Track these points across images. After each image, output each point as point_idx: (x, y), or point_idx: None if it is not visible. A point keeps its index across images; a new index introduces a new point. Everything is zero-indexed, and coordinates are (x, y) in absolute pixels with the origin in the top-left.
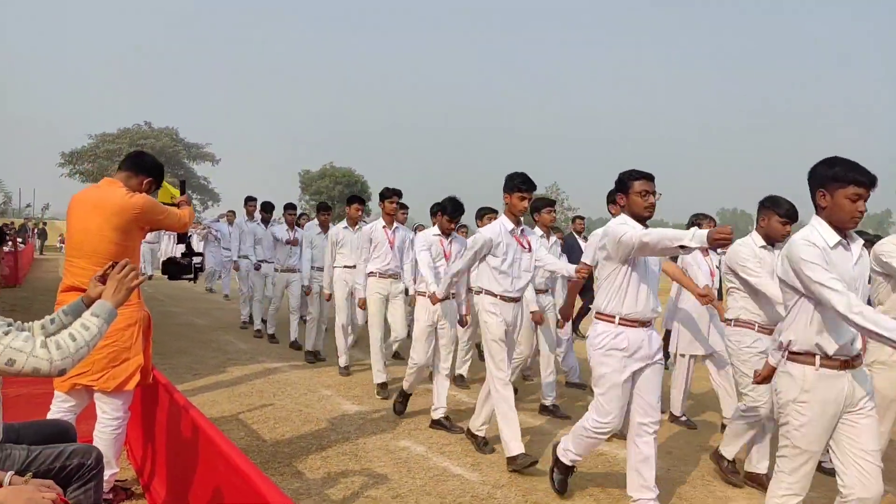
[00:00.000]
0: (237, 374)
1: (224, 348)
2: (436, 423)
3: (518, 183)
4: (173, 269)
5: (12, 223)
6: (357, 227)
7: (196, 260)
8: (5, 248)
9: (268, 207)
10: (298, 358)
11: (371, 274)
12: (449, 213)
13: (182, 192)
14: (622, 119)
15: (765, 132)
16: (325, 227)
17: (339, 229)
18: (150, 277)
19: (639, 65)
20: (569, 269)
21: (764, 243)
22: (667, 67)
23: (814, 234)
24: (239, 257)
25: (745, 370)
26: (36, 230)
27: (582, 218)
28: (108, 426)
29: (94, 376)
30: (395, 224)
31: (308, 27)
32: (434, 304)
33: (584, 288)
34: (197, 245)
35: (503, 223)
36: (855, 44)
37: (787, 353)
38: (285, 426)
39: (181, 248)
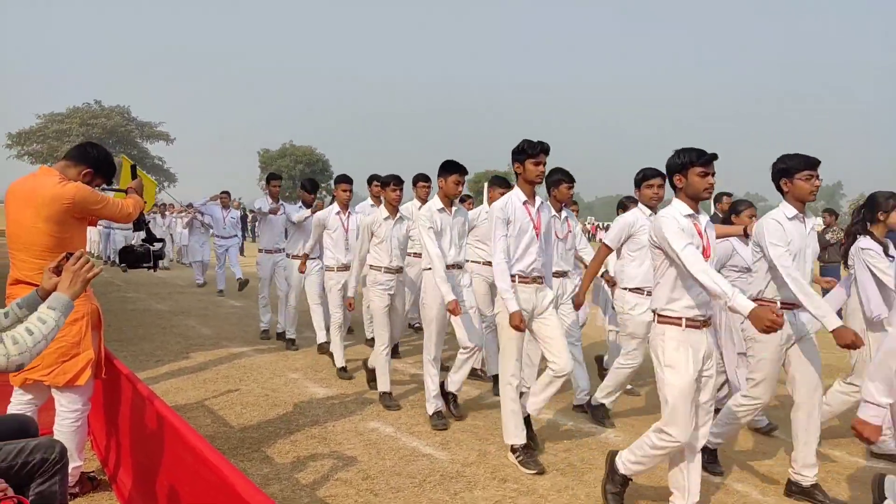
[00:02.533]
0: (201, 360)
1: (186, 334)
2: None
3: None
4: (130, 257)
5: None
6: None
7: (156, 246)
8: None
9: (310, 186)
10: (264, 342)
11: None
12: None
13: (133, 178)
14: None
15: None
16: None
17: (432, 211)
18: (105, 262)
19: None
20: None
21: None
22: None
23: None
24: (263, 251)
25: None
26: None
27: (730, 195)
28: (66, 419)
29: (43, 371)
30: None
31: (264, 3)
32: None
33: None
34: (179, 233)
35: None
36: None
37: None
38: (252, 411)
39: (141, 234)
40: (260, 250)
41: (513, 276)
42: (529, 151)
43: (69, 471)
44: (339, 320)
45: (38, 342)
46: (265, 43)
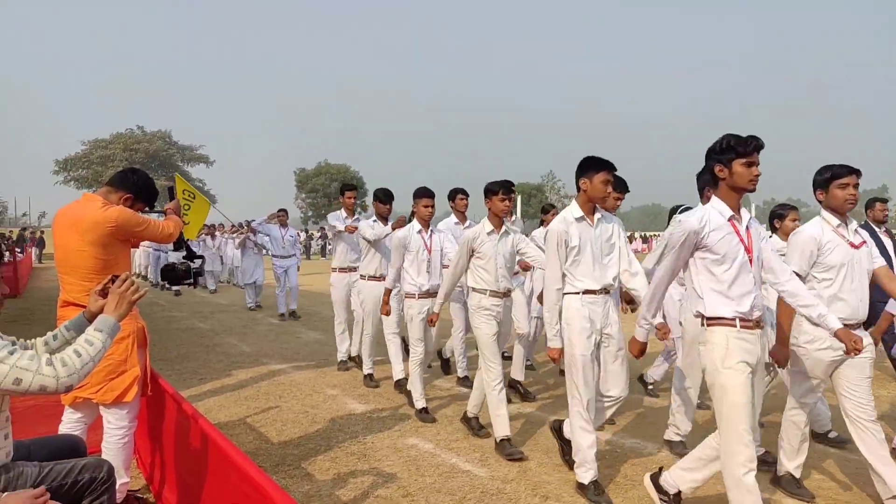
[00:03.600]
0: (242, 378)
1: (228, 352)
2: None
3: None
4: (171, 275)
5: (10, 233)
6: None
7: (195, 263)
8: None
9: (384, 196)
10: (302, 359)
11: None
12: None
13: (171, 199)
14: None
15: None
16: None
17: (568, 222)
18: (154, 285)
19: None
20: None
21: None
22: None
23: None
24: (336, 270)
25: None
26: (34, 239)
27: (884, 201)
28: (113, 436)
29: (92, 389)
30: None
31: (298, 26)
32: None
33: None
34: (231, 255)
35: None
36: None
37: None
38: (293, 428)
39: (181, 252)
40: (333, 269)
41: (731, 319)
42: (739, 149)
43: (116, 487)
44: (420, 356)
45: (86, 364)
46: (300, 63)
